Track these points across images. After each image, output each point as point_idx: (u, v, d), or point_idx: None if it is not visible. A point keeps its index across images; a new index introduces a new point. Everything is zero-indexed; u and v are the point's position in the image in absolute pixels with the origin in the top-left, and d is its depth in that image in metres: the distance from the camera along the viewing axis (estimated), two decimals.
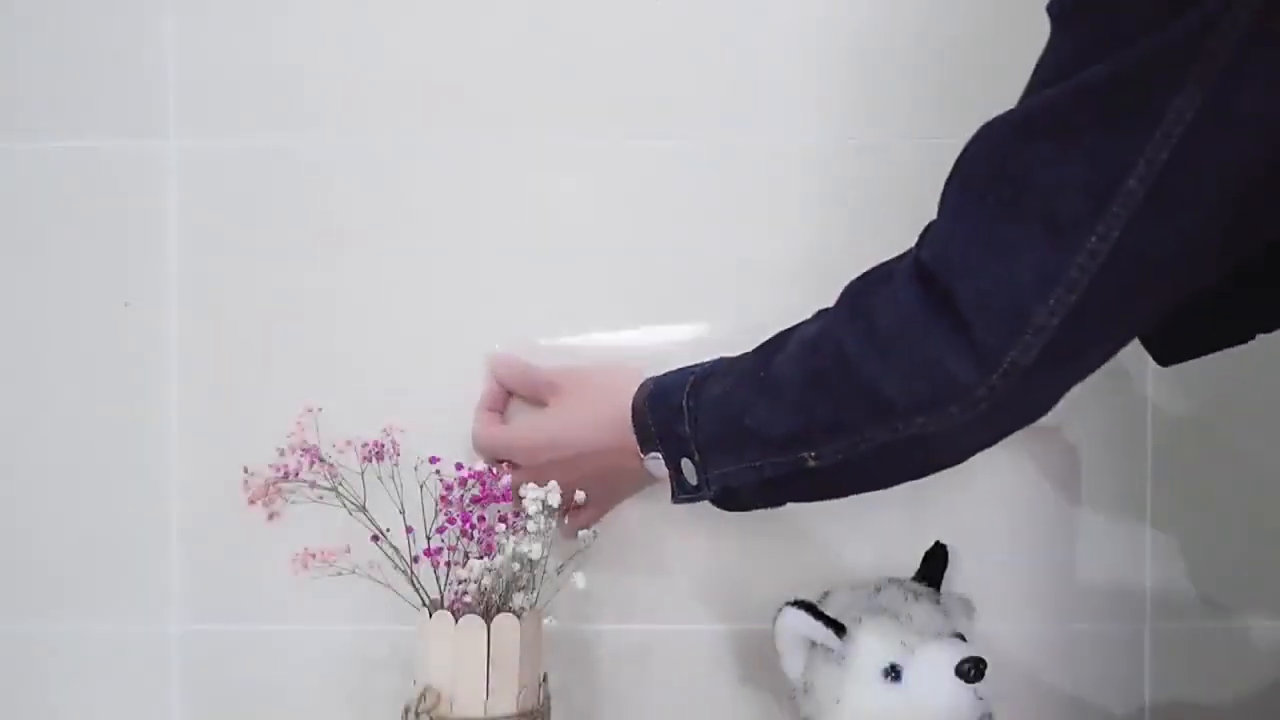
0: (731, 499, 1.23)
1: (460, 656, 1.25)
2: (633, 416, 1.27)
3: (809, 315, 1.19)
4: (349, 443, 1.30)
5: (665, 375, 1.27)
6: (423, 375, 1.39)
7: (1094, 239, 1.00)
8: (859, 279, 1.16)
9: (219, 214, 1.40)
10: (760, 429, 1.17)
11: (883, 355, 1.09)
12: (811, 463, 1.15)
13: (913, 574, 1.32)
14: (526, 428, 1.37)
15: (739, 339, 1.23)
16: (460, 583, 1.25)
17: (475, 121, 1.40)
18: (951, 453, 1.15)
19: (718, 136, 1.39)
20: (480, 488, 1.28)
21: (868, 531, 1.40)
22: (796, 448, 1.16)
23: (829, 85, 1.39)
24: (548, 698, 1.30)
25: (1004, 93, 1.06)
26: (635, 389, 1.28)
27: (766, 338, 1.21)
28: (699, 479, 1.23)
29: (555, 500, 1.26)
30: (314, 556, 1.28)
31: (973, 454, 1.15)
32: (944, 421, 1.08)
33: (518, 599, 1.27)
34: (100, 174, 1.40)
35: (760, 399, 1.17)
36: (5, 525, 1.41)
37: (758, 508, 1.24)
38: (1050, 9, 1.04)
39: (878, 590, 1.29)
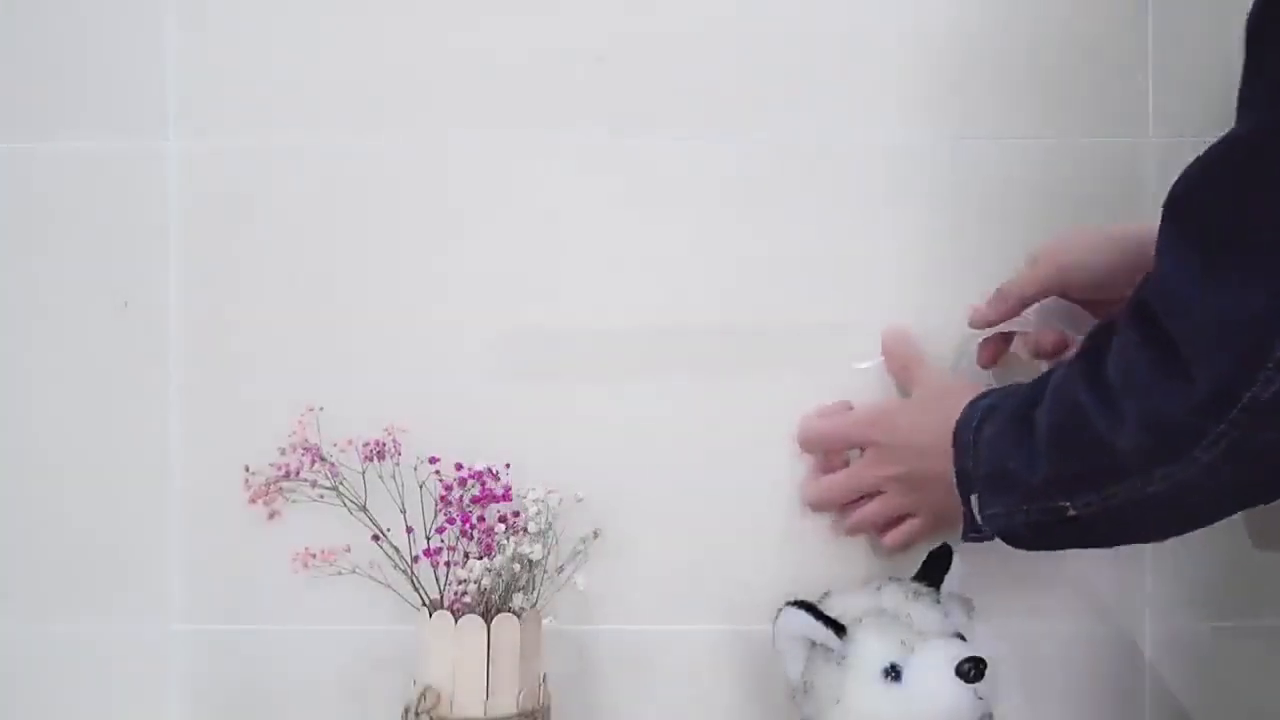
0: (1012, 540, 1.21)
1: (460, 656, 1.25)
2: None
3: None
4: (350, 442, 1.30)
5: (972, 403, 1.25)
6: (424, 375, 1.39)
7: None
8: (1103, 321, 1.12)
9: (218, 214, 1.40)
10: (1020, 474, 1.15)
11: (1110, 406, 1.06)
12: (1071, 511, 1.13)
13: (913, 574, 1.32)
14: (874, 408, 1.37)
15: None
16: (460, 583, 1.25)
17: (482, 121, 1.39)
18: (1208, 505, 1.10)
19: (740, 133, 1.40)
20: (480, 488, 1.28)
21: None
22: (1053, 496, 1.13)
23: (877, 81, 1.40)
24: (548, 698, 1.30)
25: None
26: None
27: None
28: (979, 514, 1.22)
29: (554, 500, 1.26)
30: (314, 556, 1.28)
31: (1237, 508, 1.11)
32: (1188, 468, 1.02)
33: (518, 599, 1.27)
34: (99, 174, 1.40)
35: (1020, 443, 1.15)
36: (6, 525, 1.41)
37: (1039, 549, 1.22)
38: (1251, 25, 0.99)
39: (878, 590, 1.29)
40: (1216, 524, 1.35)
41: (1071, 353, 1.18)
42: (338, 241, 1.40)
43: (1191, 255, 1.00)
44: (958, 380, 1.34)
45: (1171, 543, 1.39)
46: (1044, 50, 1.39)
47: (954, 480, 1.23)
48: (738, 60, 1.39)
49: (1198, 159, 1.02)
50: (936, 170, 1.39)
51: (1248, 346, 0.97)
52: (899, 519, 1.36)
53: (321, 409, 1.30)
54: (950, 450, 1.23)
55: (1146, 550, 1.40)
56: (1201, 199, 1.01)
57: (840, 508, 1.38)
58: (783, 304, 1.39)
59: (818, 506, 1.39)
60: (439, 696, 1.25)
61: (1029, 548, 1.20)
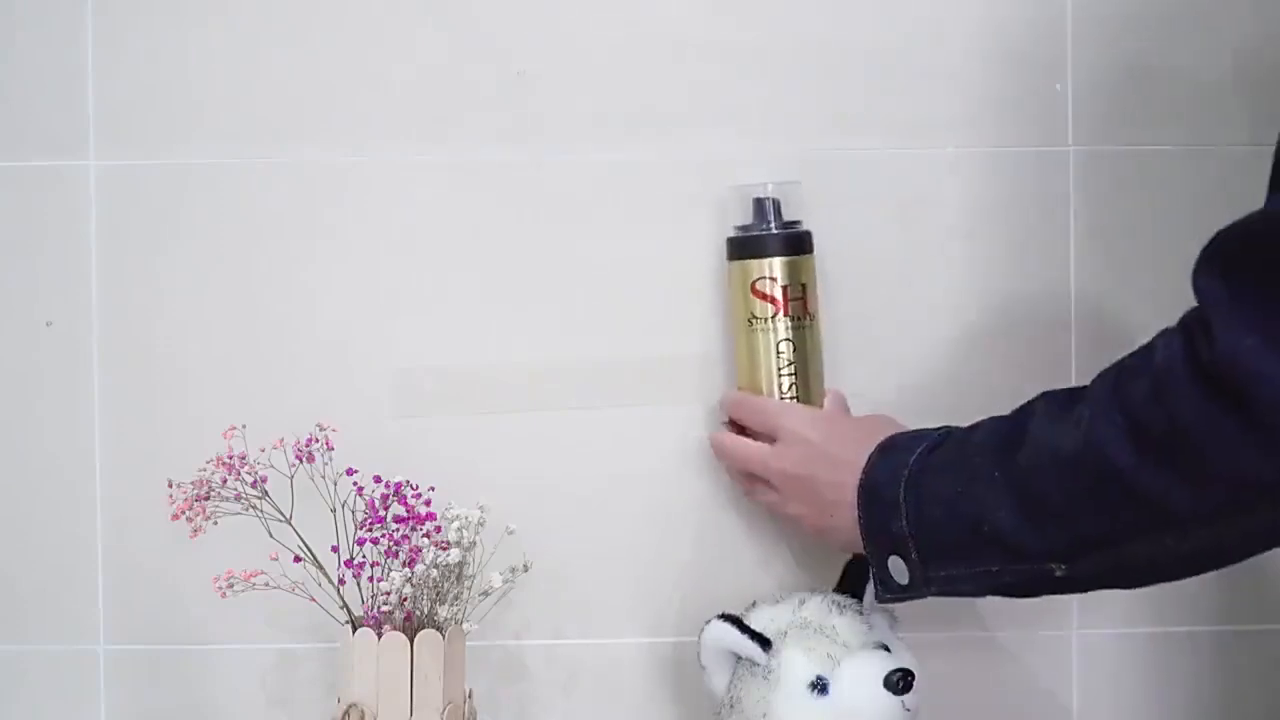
0: (953, 593, 1.20)
1: (384, 673, 1.25)
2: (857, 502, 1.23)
3: None
4: (282, 440, 1.29)
5: (878, 463, 1.23)
6: (345, 390, 1.39)
7: None
8: (1105, 377, 1.10)
9: (139, 233, 1.40)
10: (1006, 540, 1.13)
11: (1161, 464, 1.04)
12: (1059, 573, 1.12)
13: (834, 586, 1.32)
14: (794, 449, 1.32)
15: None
16: (384, 595, 1.25)
17: (402, 138, 1.40)
18: (1251, 548, 1.11)
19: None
20: (401, 503, 1.28)
21: (790, 543, 1.40)
22: (1052, 558, 1.12)
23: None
24: (473, 713, 1.30)
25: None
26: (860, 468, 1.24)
27: None
28: (913, 579, 1.20)
29: (476, 516, 1.26)
30: (231, 586, 1.27)
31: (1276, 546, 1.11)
32: (1254, 523, 1.04)
33: (442, 612, 1.27)
34: (20, 194, 1.40)
35: (1004, 508, 1.12)
36: None
37: (981, 596, 1.23)
38: None
39: (801, 603, 1.29)
40: None
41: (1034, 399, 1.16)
42: (259, 260, 1.40)
43: (1267, 314, 0.99)
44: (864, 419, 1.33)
45: None
46: (966, 59, 1.40)
47: (863, 536, 1.22)
48: (661, 75, 1.40)
49: (1264, 210, 1.00)
50: (851, 182, 1.40)
51: None
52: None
53: (245, 426, 1.29)
54: (854, 502, 1.23)
55: None
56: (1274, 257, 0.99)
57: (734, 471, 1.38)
58: (700, 328, 1.40)
59: (717, 453, 1.38)
60: (363, 713, 1.25)
61: (967, 595, 1.21)
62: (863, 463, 1.23)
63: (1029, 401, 1.16)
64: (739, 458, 1.35)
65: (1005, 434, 1.16)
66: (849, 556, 1.31)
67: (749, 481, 1.35)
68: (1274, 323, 0.98)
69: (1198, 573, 1.15)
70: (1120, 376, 1.09)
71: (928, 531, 1.18)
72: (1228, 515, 1.04)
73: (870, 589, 1.28)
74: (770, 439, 1.32)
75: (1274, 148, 1.00)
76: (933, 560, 1.18)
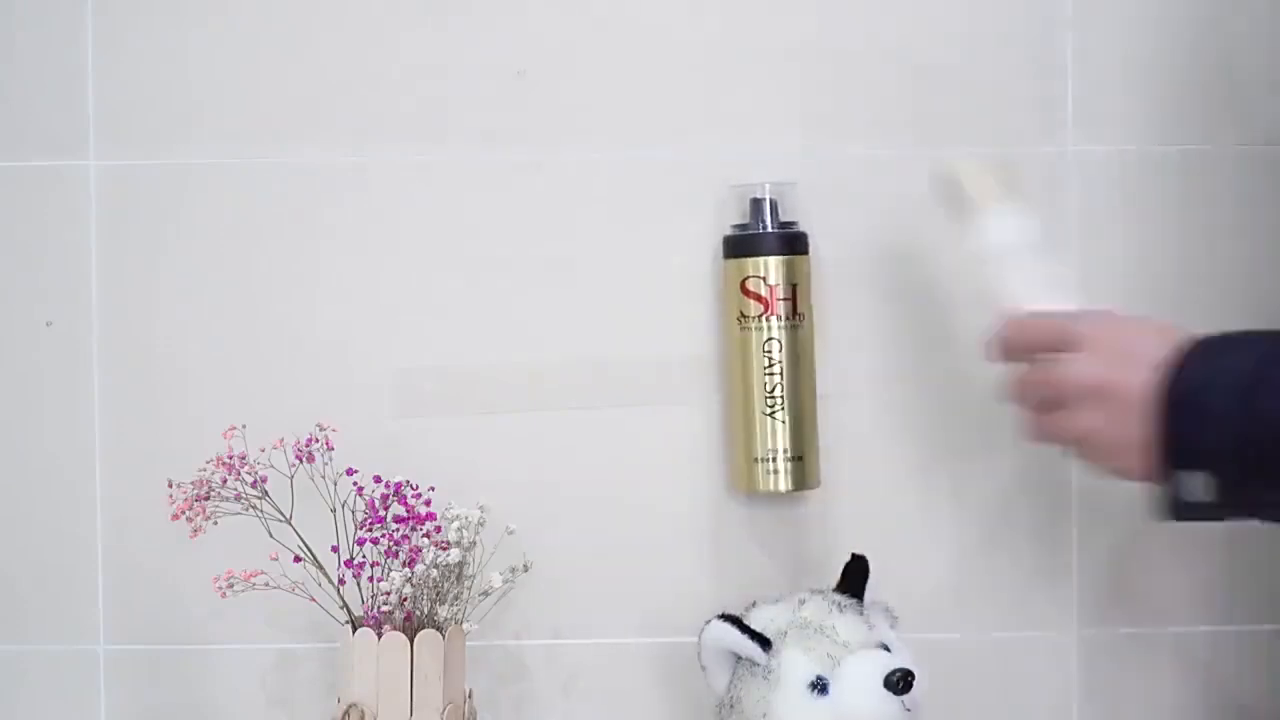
0: (1254, 517, 1.11)
1: (384, 673, 1.25)
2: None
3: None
4: (282, 440, 1.29)
5: (1195, 361, 1.09)
6: (345, 390, 1.39)
7: None
8: None
9: (139, 233, 1.40)
10: None
11: None
12: None
13: (833, 585, 1.32)
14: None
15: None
16: (384, 594, 1.25)
17: (403, 137, 1.40)
18: None
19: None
20: (401, 503, 1.28)
21: (790, 543, 1.40)
22: None
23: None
24: (473, 713, 1.30)
25: None
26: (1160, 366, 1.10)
27: None
28: (1220, 497, 1.07)
29: (476, 516, 1.26)
30: (231, 586, 1.27)
31: None
32: None
33: (442, 612, 1.27)
34: (20, 194, 1.40)
35: None
36: None
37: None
38: None
39: (801, 603, 1.29)
40: (1143, 529, 1.36)
41: None
42: (259, 260, 1.40)
43: None
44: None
45: (1099, 550, 1.40)
46: (966, 59, 1.40)
47: (1163, 445, 1.09)
48: (660, 75, 1.40)
49: None
50: (850, 182, 1.40)
51: None
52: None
53: (245, 426, 1.29)
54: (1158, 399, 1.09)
55: (1074, 558, 1.41)
56: None
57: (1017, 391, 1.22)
58: (699, 328, 1.40)
59: (1018, 388, 1.21)
60: (363, 713, 1.25)
61: (1271, 521, 1.12)
62: (1174, 360, 1.09)
63: None
64: (1040, 383, 1.17)
65: None
66: (850, 556, 1.31)
67: (1039, 410, 1.19)
68: None
69: None
70: None
71: (1249, 450, 1.06)
72: None
73: (868, 594, 1.29)
74: (1069, 350, 1.16)
75: None
76: (1250, 482, 1.07)
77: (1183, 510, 1.10)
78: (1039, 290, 1.21)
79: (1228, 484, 1.07)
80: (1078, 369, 1.14)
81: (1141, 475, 1.12)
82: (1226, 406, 1.06)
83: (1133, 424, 1.11)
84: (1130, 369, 1.11)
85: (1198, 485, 1.08)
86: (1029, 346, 1.19)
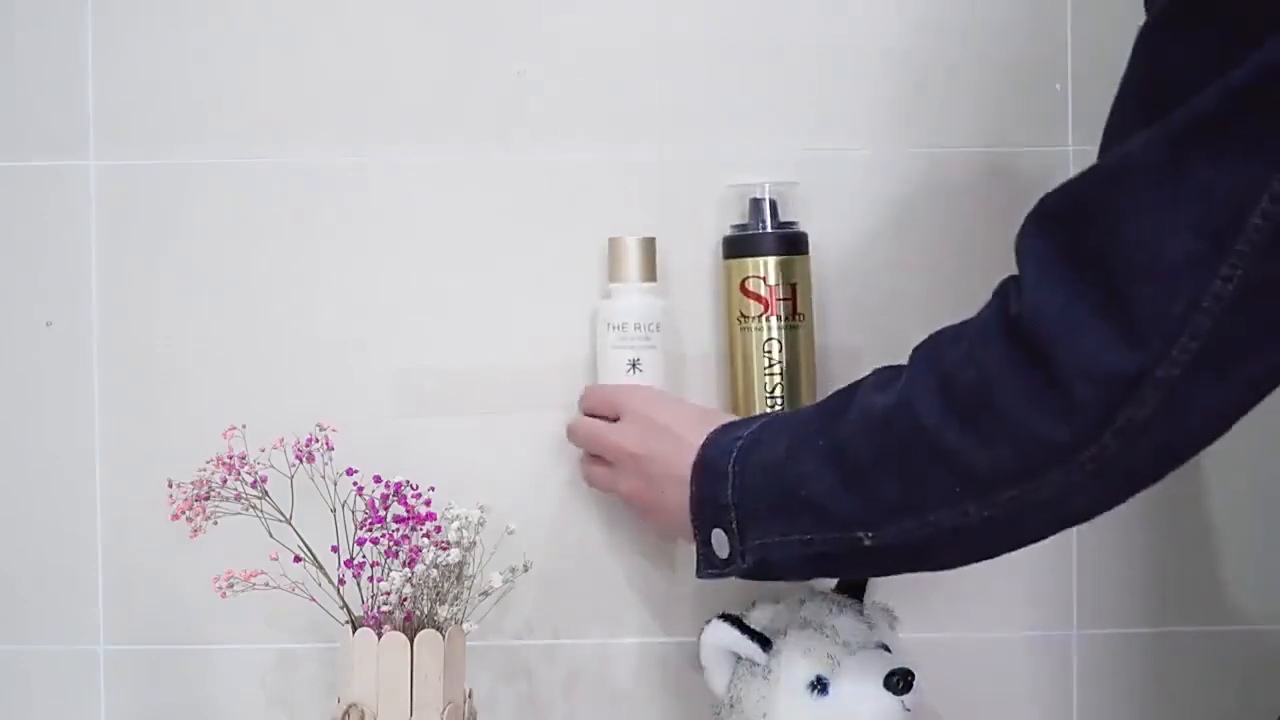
0: (766, 571, 1.19)
1: (384, 673, 1.25)
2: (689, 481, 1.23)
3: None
4: (282, 440, 1.29)
5: (716, 439, 1.22)
6: (345, 390, 1.39)
7: (1217, 281, 0.93)
8: (927, 342, 1.10)
9: (139, 233, 1.40)
10: (818, 502, 1.12)
11: (965, 423, 1.03)
12: (867, 542, 1.10)
13: (833, 585, 1.32)
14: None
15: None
16: (384, 595, 1.25)
17: (404, 138, 1.40)
18: (1044, 525, 1.08)
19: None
20: (401, 503, 1.28)
21: None
22: (858, 525, 1.10)
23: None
24: (473, 713, 1.30)
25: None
26: (704, 436, 1.24)
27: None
28: (731, 550, 1.19)
29: (476, 517, 1.26)
30: (230, 586, 1.27)
31: (1068, 525, 1.09)
32: (1042, 492, 1.01)
33: (442, 612, 1.27)
34: (20, 194, 1.40)
35: (823, 471, 1.12)
36: None
37: (793, 579, 1.22)
38: (1149, 4, 0.98)
39: (801, 603, 1.29)
40: (1143, 529, 1.37)
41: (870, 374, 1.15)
42: (259, 260, 1.40)
43: (1069, 275, 0.98)
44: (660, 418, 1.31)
45: (1099, 550, 1.41)
46: (966, 59, 1.40)
47: (691, 509, 1.22)
48: (660, 75, 1.40)
49: (1081, 173, 1.00)
50: (850, 182, 1.40)
51: (1127, 370, 0.96)
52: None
53: (245, 426, 1.29)
54: (689, 461, 1.22)
55: (1073, 558, 1.41)
56: (1079, 219, 0.99)
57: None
58: (699, 328, 1.40)
59: (568, 436, 1.38)
60: (363, 713, 1.25)
61: (781, 579, 1.21)
62: (701, 441, 1.23)
63: (864, 376, 1.16)
64: (582, 434, 1.35)
65: (835, 403, 1.16)
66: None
67: (589, 462, 1.35)
68: (1081, 282, 0.97)
69: (999, 551, 1.12)
70: (940, 337, 1.09)
71: (749, 497, 1.17)
72: (1022, 478, 1.02)
73: (870, 589, 1.29)
74: (615, 419, 1.32)
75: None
76: (751, 528, 1.17)
77: (710, 567, 1.22)
78: (623, 366, 1.35)
79: (737, 534, 1.19)
80: (618, 436, 1.31)
81: (681, 536, 1.26)
82: (729, 466, 1.19)
83: (666, 491, 1.25)
84: (665, 442, 1.26)
85: (721, 541, 1.20)
86: (590, 409, 1.35)
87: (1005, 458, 1.02)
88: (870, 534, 1.10)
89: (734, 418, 1.28)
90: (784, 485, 1.15)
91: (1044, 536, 1.10)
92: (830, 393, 1.20)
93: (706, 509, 1.21)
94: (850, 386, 1.16)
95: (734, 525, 1.18)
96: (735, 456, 1.19)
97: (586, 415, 1.36)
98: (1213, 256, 0.93)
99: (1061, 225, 1.00)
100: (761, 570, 1.19)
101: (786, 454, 1.15)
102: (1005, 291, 1.04)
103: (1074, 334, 0.97)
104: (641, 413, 1.30)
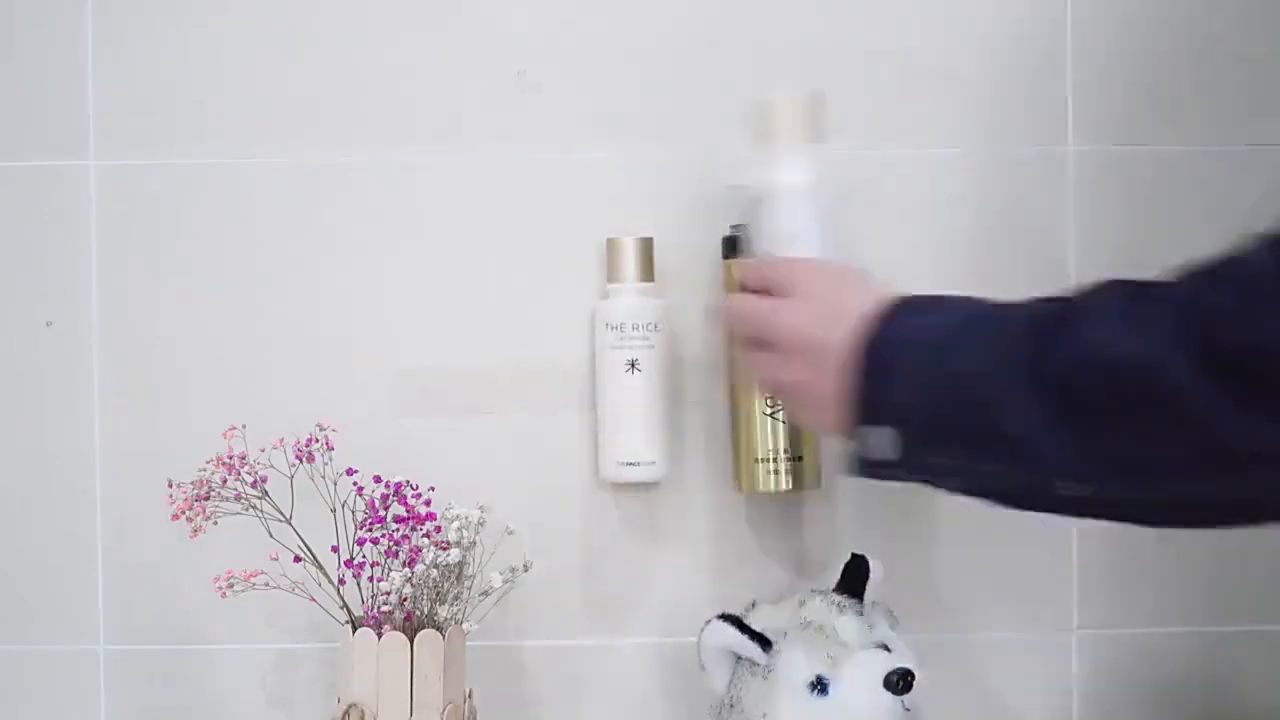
0: (932, 485, 1.08)
1: (384, 673, 1.25)
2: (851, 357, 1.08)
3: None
4: (282, 440, 1.29)
5: (896, 316, 1.08)
6: (346, 390, 1.39)
7: None
8: (1190, 282, 0.96)
9: (139, 233, 1.40)
10: (1022, 440, 0.98)
11: (1231, 392, 0.90)
12: (1067, 491, 0.99)
13: (833, 585, 1.32)
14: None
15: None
16: (384, 594, 1.25)
17: (399, 137, 1.40)
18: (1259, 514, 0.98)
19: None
20: (401, 503, 1.28)
21: (790, 543, 1.40)
22: (1065, 475, 0.98)
23: None
24: (473, 713, 1.30)
25: None
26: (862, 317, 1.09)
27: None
28: (902, 456, 1.05)
29: (476, 516, 1.26)
30: (230, 586, 1.27)
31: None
32: None
33: (442, 612, 1.27)
34: (20, 194, 1.40)
35: (1031, 405, 0.98)
36: None
37: (947, 491, 1.09)
38: None
39: (801, 603, 1.29)
40: (1146, 533, 1.36)
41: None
42: (259, 260, 1.40)
43: None
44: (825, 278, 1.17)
45: (1099, 550, 1.41)
46: (966, 59, 1.40)
47: (854, 395, 1.08)
48: (660, 75, 1.40)
49: None
50: (862, 184, 1.40)
51: None
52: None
53: (245, 426, 1.29)
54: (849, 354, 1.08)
55: (1073, 558, 1.41)
56: None
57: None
58: (699, 328, 1.40)
59: (726, 317, 1.26)
60: (363, 713, 1.25)
61: (940, 487, 1.09)
62: (874, 316, 1.09)
63: (1090, 287, 1.02)
64: (746, 313, 1.19)
65: (1055, 317, 1.00)
66: (849, 556, 1.31)
67: (755, 347, 1.18)
68: None
69: (1232, 525, 1.02)
70: (1204, 281, 0.95)
71: (935, 408, 1.04)
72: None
73: (868, 594, 1.29)
74: (785, 297, 1.17)
75: None
76: (931, 442, 1.05)
77: (866, 467, 1.09)
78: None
79: (910, 442, 1.05)
80: (788, 318, 1.15)
81: (839, 429, 1.11)
82: (915, 363, 1.05)
83: (833, 379, 1.09)
84: (837, 326, 1.10)
85: (884, 441, 1.06)
86: (750, 286, 1.20)
87: (1276, 438, 0.90)
88: (1080, 485, 0.98)
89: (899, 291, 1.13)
90: (981, 409, 1.01)
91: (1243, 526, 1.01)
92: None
93: (876, 402, 1.07)
94: (1072, 297, 1.02)
95: (912, 432, 1.05)
96: (920, 350, 1.05)
97: (746, 291, 1.21)
98: None
99: None
100: (930, 482, 1.08)
101: (988, 368, 1.01)
102: None
103: None
104: (819, 293, 1.14)
